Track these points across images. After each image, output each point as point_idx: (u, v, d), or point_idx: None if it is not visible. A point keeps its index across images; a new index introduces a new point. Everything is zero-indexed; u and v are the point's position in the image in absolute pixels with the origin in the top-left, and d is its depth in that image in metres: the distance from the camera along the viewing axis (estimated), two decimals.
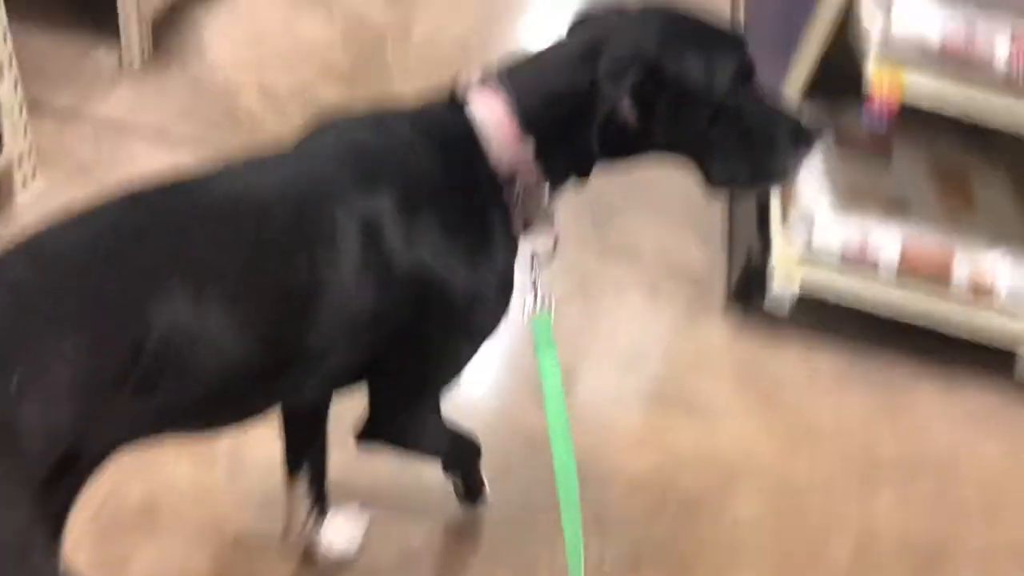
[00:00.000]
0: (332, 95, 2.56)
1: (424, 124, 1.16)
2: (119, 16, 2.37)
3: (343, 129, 1.20)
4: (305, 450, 1.47)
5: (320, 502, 1.52)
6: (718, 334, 2.18)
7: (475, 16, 2.99)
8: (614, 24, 1.15)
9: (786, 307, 2.08)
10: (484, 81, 1.16)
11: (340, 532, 1.57)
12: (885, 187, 2.09)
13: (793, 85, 1.96)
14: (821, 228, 1.99)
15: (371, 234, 1.08)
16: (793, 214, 2.07)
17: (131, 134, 2.29)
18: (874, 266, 2.00)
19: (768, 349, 2.15)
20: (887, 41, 1.67)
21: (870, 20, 1.71)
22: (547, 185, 1.17)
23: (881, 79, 1.70)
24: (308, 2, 2.87)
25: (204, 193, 1.05)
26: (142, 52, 2.46)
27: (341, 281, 1.07)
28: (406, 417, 1.31)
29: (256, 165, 1.14)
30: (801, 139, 1.18)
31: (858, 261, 2.00)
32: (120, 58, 2.45)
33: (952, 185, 2.12)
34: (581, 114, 1.11)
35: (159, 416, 1.00)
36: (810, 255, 2.03)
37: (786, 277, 2.04)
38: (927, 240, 1.98)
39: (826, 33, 1.87)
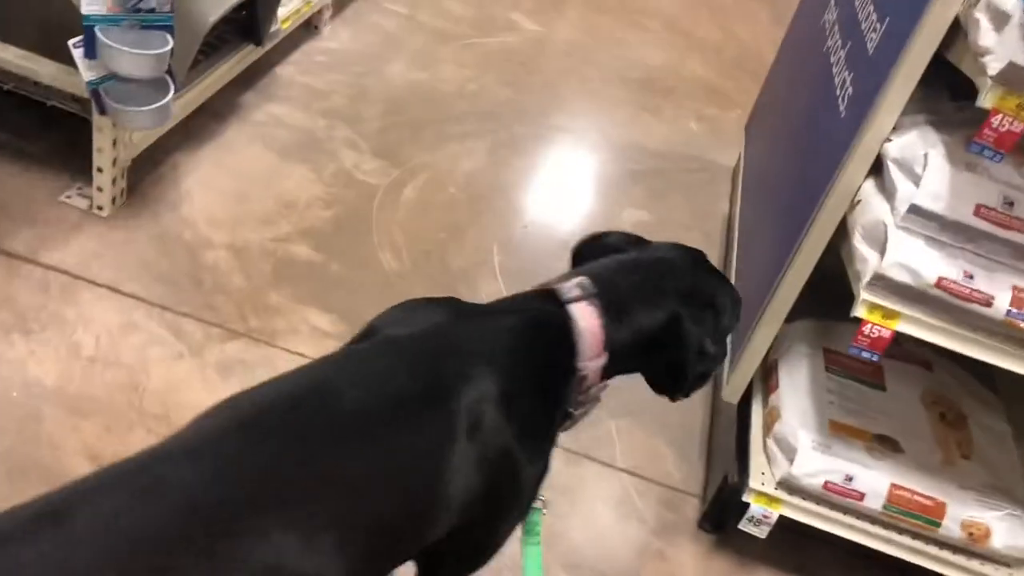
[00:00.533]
0: (305, 256, 2.45)
1: (529, 317, 1.28)
2: (93, 159, 2.29)
3: (442, 318, 1.26)
4: None
5: None
6: (689, 556, 1.99)
7: (466, 182, 2.92)
8: (664, 258, 1.40)
9: (763, 533, 1.89)
10: (583, 292, 1.30)
11: None
12: (875, 420, 1.93)
13: (779, 307, 1.84)
14: (802, 462, 1.82)
15: (476, 421, 1.15)
16: (772, 442, 1.91)
17: (81, 287, 2.17)
18: (858, 503, 1.82)
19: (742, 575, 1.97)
20: (880, 279, 1.55)
21: (862, 259, 1.59)
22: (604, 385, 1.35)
23: (873, 313, 1.57)
24: (298, 154, 2.81)
25: (326, 415, 1.08)
26: (113, 199, 2.37)
27: (451, 475, 1.13)
28: None
29: (365, 368, 1.17)
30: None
31: (842, 495, 1.83)
32: (91, 203, 2.37)
33: (948, 424, 1.97)
34: (658, 343, 1.33)
35: None
36: (789, 486, 1.86)
37: (764, 503, 1.87)
38: (918, 486, 1.81)
39: (812, 262, 1.76)
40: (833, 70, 2.01)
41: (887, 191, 1.60)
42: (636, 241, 1.48)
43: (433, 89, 3.36)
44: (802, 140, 2.13)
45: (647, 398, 1.45)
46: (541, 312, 1.29)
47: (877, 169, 1.65)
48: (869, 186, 1.65)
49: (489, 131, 3.20)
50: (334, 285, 2.39)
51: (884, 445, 1.89)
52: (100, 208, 2.37)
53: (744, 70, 4.14)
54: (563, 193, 3.06)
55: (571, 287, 1.30)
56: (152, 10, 2.05)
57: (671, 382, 1.40)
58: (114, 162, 2.30)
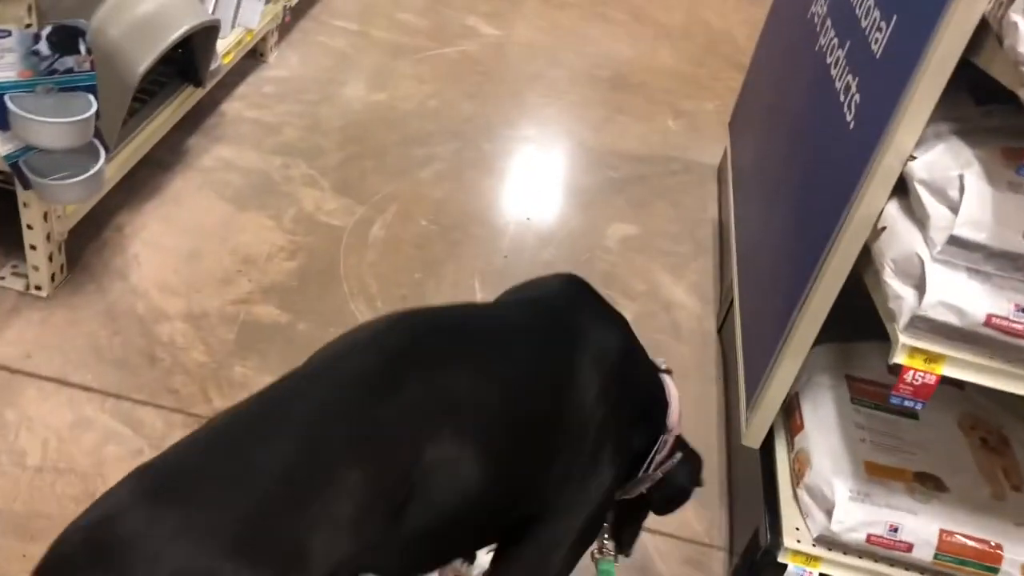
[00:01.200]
0: (270, 318, 2.24)
1: (631, 363, 1.40)
2: (24, 237, 2.07)
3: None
4: None
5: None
6: None
7: (437, 211, 2.71)
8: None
9: None
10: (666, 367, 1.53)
11: None
12: (913, 456, 1.75)
13: (799, 342, 1.66)
14: (841, 515, 1.64)
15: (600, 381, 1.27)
16: (805, 492, 1.72)
17: (22, 383, 1.95)
18: (906, 554, 1.65)
19: None
20: (921, 320, 1.36)
21: (895, 297, 1.40)
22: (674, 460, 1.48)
23: (914, 358, 1.39)
24: (253, 200, 2.59)
25: (468, 334, 1.22)
26: (52, 276, 2.15)
27: (573, 419, 1.24)
28: None
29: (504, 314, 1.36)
30: None
31: (888, 548, 1.65)
32: (27, 283, 2.15)
33: (991, 451, 1.79)
34: None
35: (399, 548, 1.05)
36: (828, 542, 1.68)
37: (802, 562, 1.69)
38: (970, 528, 1.64)
39: (833, 292, 1.58)
40: (832, 72, 1.82)
41: (918, 218, 1.41)
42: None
43: (392, 109, 3.14)
44: (805, 149, 1.94)
45: None
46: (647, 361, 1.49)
47: (901, 188, 1.46)
48: (894, 210, 1.46)
49: (455, 151, 2.99)
50: (304, 347, 2.12)
51: (926, 484, 1.71)
52: (39, 288, 2.14)
53: (717, 55, 3.96)
54: (542, 213, 2.86)
55: (658, 360, 1.53)
56: (70, 70, 1.83)
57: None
58: (48, 237, 2.08)
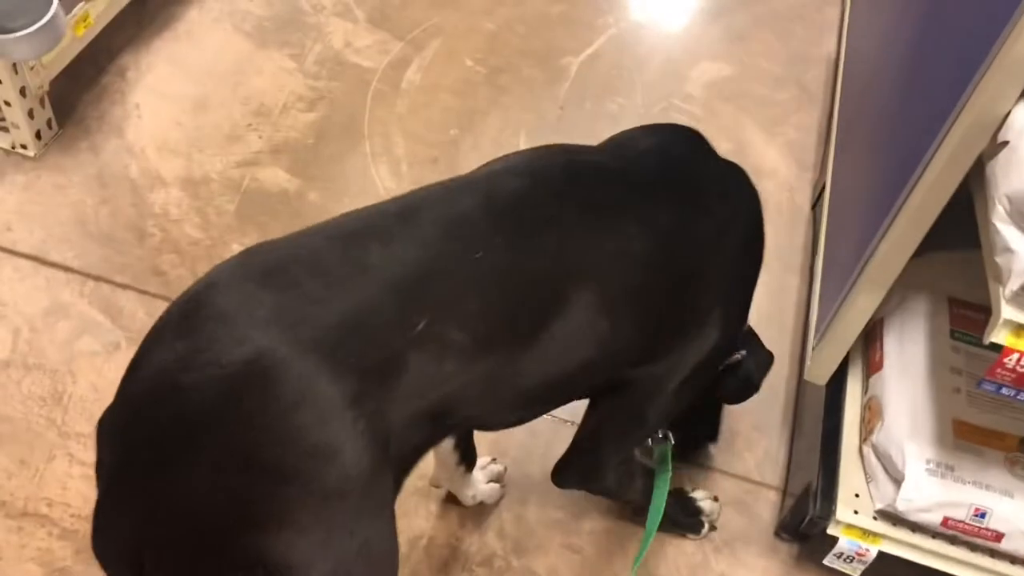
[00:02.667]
0: (277, 184, 1.97)
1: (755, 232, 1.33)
2: None
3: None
4: None
5: (467, 460, 1.45)
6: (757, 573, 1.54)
7: (488, 49, 2.31)
8: None
9: (856, 572, 1.42)
10: None
11: (483, 486, 1.54)
12: (1017, 412, 1.37)
13: (887, 263, 1.26)
14: (912, 491, 1.30)
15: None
16: (871, 452, 1.38)
17: (0, 260, 1.78)
18: (994, 544, 1.31)
19: None
20: None
21: (1005, 249, 0.99)
22: None
23: (1021, 338, 1.00)
24: (275, 35, 2.25)
25: (618, 180, 1.10)
26: (38, 133, 1.92)
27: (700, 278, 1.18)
28: (616, 458, 1.33)
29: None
30: None
31: (970, 535, 1.32)
32: (12, 141, 1.93)
33: None
34: None
35: (514, 398, 1.01)
36: (893, 518, 1.35)
37: (857, 536, 1.38)
38: None
39: (934, 210, 1.16)
40: None
41: None
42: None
43: None
44: (922, 9, 1.44)
45: None
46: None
47: None
48: (1023, 117, 1.02)
49: None
50: (313, 219, 1.87)
51: None
52: (24, 147, 1.93)
53: None
54: (612, 48, 2.40)
55: None
56: None
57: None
58: (23, 91, 1.83)
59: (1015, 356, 1.00)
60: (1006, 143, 1.02)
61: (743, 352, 1.39)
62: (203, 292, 0.79)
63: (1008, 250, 0.99)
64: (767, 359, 1.47)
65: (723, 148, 2.22)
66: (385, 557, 0.86)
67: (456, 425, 1.02)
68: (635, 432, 1.32)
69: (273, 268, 0.81)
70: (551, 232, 0.97)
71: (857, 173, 1.59)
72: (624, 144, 1.24)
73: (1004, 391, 1.03)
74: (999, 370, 1.01)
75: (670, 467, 1.38)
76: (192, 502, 0.74)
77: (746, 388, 1.42)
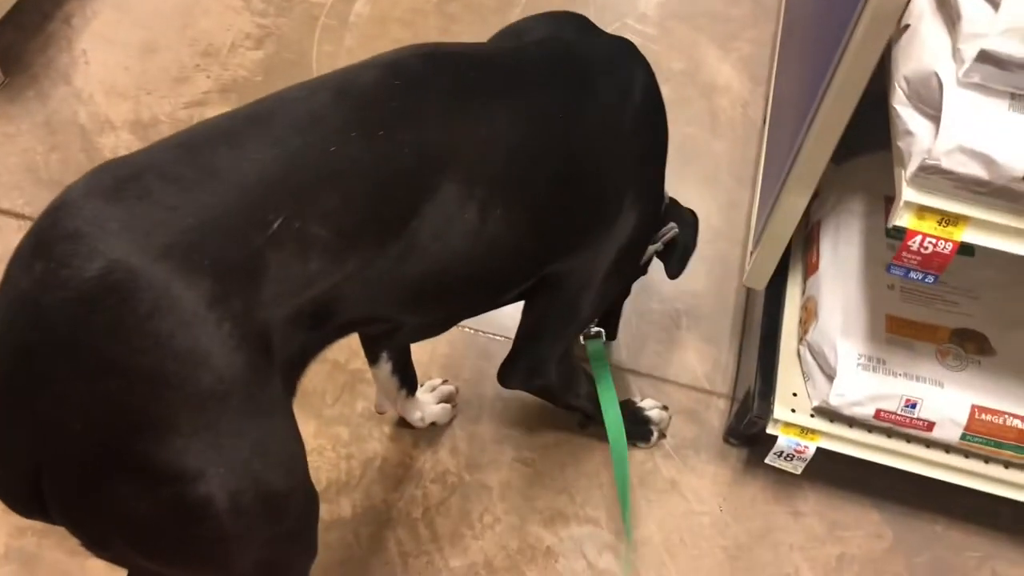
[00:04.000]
0: None
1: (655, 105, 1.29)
2: None
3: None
4: (382, 343, 1.40)
5: (407, 384, 1.48)
6: (707, 485, 1.57)
7: None
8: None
9: (798, 469, 1.45)
10: None
11: (433, 407, 1.57)
12: (955, 307, 1.38)
13: (811, 160, 1.27)
14: (844, 385, 1.32)
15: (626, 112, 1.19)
16: (807, 351, 1.40)
17: None
18: (925, 433, 1.33)
19: (772, 516, 1.54)
20: (933, 169, 0.96)
21: (906, 132, 0.99)
22: None
23: (924, 220, 1.00)
24: None
25: (491, 70, 1.07)
26: None
27: (601, 164, 1.16)
28: (556, 351, 1.34)
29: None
30: None
31: (901, 426, 1.34)
32: None
33: None
34: None
35: (401, 291, 0.99)
36: (829, 414, 1.38)
37: (795, 434, 1.40)
38: (1015, 405, 1.29)
39: (852, 98, 1.16)
40: None
41: (948, 14, 0.96)
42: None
43: None
44: None
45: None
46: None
47: None
48: (924, 2, 1.01)
49: None
50: None
51: (966, 345, 1.35)
52: None
53: None
54: None
55: None
56: None
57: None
58: None
59: (918, 238, 1.00)
60: (907, 26, 1.02)
61: (672, 224, 1.39)
62: (56, 212, 0.79)
63: (908, 132, 0.99)
64: (693, 221, 1.47)
65: (677, 67, 2.23)
66: (285, 456, 0.86)
67: (349, 326, 1.02)
68: (571, 323, 1.33)
69: (122, 181, 0.80)
70: (411, 122, 0.94)
71: (790, 80, 1.58)
72: (508, 34, 1.23)
73: (912, 275, 1.04)
74: (904, 253, 1.02)
75: (607, 363, 1.41)
76: (72, 417, 0.75)
77: (684, 254, 1.43)
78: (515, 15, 2.23)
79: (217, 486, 0.79)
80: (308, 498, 0.92)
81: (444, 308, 1.13)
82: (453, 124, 0.97)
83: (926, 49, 0.97)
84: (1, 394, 0.78)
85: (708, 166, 2.00)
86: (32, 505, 0.82)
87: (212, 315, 0.76)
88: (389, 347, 1.41)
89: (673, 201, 1.44)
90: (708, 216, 1.91)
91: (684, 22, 2.27)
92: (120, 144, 1.91)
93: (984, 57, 0.88)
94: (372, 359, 1.42)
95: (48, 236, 0.77)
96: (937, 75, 0.93)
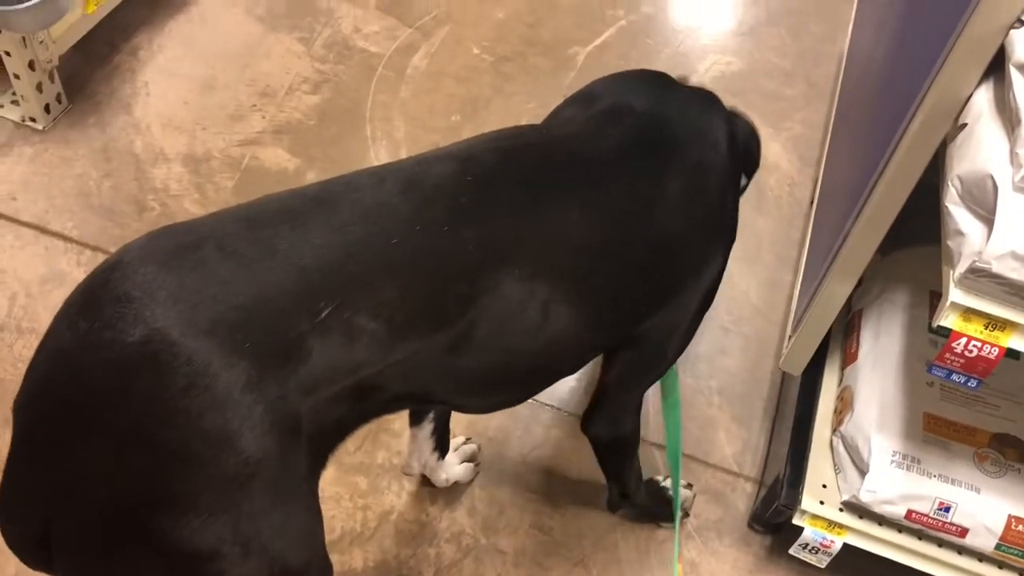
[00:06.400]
0: (277, 162, 2.00)
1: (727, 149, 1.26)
2: (7, 67, 1.89)
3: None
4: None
5: (441, 447, 1.48)
6: (727, 570, 1.53)
7: (496, 37, 2.32)
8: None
9: (822, 563, 1.40)
10: None
11: (456, 467, 1.56)
12: (997, 410, 1.34)
13: (858, 248, 1.25)
14: (876, 481, 1.29)
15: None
16: (839, 442, 1.37)
17: (2, 228, 1.82)
18: (958, 539, 1.29)
19: None
20: (983, 271, 0.94)
21: (956, 232, 0.97)
22: None
23: (970, 322, 0.98)
24: (286, 18, 2.29)
25: (563, 159, 1.07)
26: (46, 107, 1.97)
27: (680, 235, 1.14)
28: (637, 400, 1.33)
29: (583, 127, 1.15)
30: None
31: (934, 529, 1.29)
32: (22, 116, 1.98)
33: None
34: None
35: (456, 380, 0.98)
36: (858, 509, 1.34)
37: (822, 528, 1.36)
38: None
39: (904, 190, 1.15)
40: None
41: (1008, 115, 0.95)
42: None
43: None
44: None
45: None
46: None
47: (999, 71, 1.00)
48: (984, 101, 1.00)
49: None
50: None
51: (1006, 451, 1.31)
52: (33, 120, 1.98)
53: None
54: (622, 42, 2.40)
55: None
56: None
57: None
58: (31, 65, 1.88)
59: (963, 340, 0.98)
60: (964, 125, 1.01)
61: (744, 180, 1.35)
62: (110, 272, 0.79)
63: (959, 232, 0.97)
64: (751, 133, 1.39)
65: None
66: (303, 533, 0.85)
67: (396, 402, 1.00)
68: (657, 370, 1.31)
69: (179, 249, 0.80)
70: (478, 220, 0.93)
71: (840, 165, 1.57)
72: (580, 100, 1.21)
73: (954, 377, 1.02)
74: (948, 355, 1.00)
75: (679, 393, 1.42)
76: (94, 479, 0.75)
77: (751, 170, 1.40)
78: (570, 79, 2.25)
79: (231, 564, 0.78)
80: (322, 570, 0.91)
81: (506, 394, 1.12)
82: (521, 222, 0.96)
83: (982, 150, 0.96)
84: (29, 444, 0.78)
85: (751, 242, 1.99)
86: (39, 556, 0.81)
87: (245, 399, 0.76)
88: (436, 411, 1.41)
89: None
90: (748, 293, 1.90)
91: (737, 97, 2.26)
92: (171, 176, 1.95)
93: None
94: (415, 419, 1.42)
95: (98, 295, 0.78)
96: (992, 178, 0.92)
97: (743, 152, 1.31)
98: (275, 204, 0.88)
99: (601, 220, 1.05)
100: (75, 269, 1.78)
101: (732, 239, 1.28)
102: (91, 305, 0.77)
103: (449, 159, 0.97)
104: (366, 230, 0.86)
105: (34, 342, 1.66)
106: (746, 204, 2.04)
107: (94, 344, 0.75)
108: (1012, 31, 0.95)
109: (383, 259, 0.86)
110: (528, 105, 2.18)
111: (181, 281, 0.77)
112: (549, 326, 0.99)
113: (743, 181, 1.33)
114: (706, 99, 1.26)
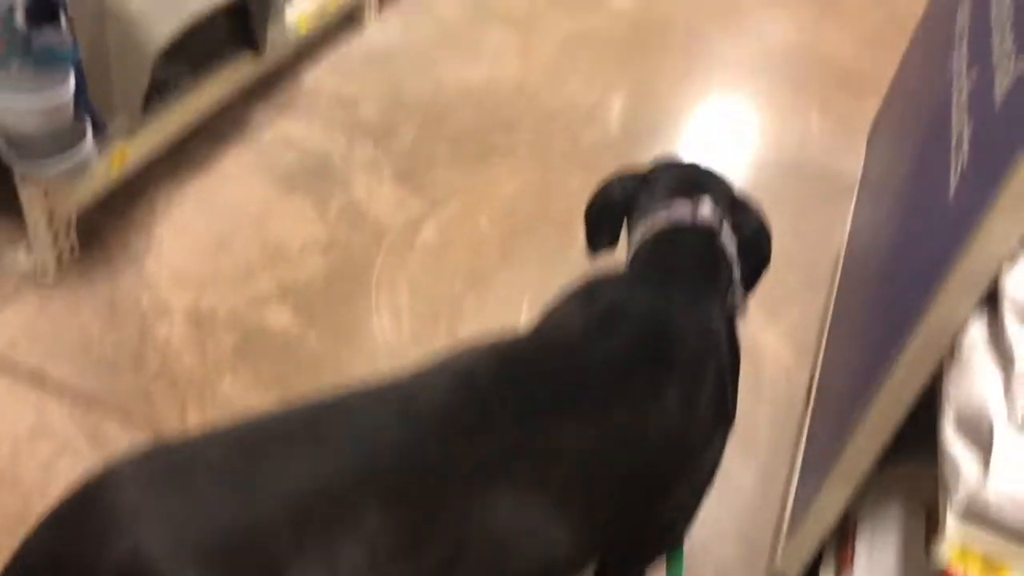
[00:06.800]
0: (280, 324, 2.02)
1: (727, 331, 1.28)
2: (25, 216, 1.94)
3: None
4: None
5: None
6: None
7: (504, 212, 2.39)
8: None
9: None
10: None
11: None
12: None
13: (855, 459, 1.24)
14: None
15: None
16: None
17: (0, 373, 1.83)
18: None
19: None
20: (980, 508, 0.93)
21: (953, 465, 0.97)
22: None
23: (967, 559, 0.96)
24: (303, 183, 2.36)
25: (557, 373, 1.06)
26: (59, 257, 2.01)
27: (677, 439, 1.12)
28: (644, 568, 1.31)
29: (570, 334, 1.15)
30: None
31: None
32: (33, 264, 2.02)
33: None
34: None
35: None
36: None
37: None
38: None
39: (899, 409, 1.15)
40: (952, 109, 1.35)
41: (1003, 352, 0.97)
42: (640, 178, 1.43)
43: (488, 89, 2.82)
44: (906, 204, 1.48)
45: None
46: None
47: (992, 303, 1.02)
48: (978, 331, 1.02)
49: (544, 139, 2.64)
50: (307, 364, 1.95)
51: None
52: (43, 269, 2.01)
53: (889, 43, 3.34)
54: None
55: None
56: (47, 44, 1.63)
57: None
58: (50, 217, 1.93)
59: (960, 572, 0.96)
60: (960, 353, 1.03)
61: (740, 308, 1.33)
62: (100, 484, 0.80)
63: (956, 464, 0.97)
64: (760, 231, 1.39)
65: None
66: None
67: None
68: (659, 547, 1.30)
69: (173, 468, 0.82)
70: (473, 440, 0.93)
71: (837, 369, 1.59)
72: (580, 298, 1.21)
73: None
74: None
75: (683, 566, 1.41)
76: None
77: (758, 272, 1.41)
78: (576, 254, 2.30)
79: None
80: None
81: None
82: (516, 441, 0.96)
83: (977, 383, 0.97)
84: None
85: (748, 428, 1.98)
86: None
87: None
88: None
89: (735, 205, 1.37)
90: (742, 484, 1.87)
91: None
92: (174, 332, 1.96)
93: None
94: None
95: (85, 504, 0.79)
96: (989, 414, 0.93)
97: (751, 248, 1.33)
98: (269, 425, 0.90)
99: (598, 436, 1.04)
100: (65, 422, 1.77)
101: (731, 423, 1.27)
102: (79, 515, 0.78)
103: (445, 374, 0.98)
104: (356, 457, 0.87)
105: (16, 498, 1.65)
106: (744, 390, 2.04)
107: (75, 552, 0.76)
108: (1004, 268, 0.97)
109: (372, 485, 0.86)
110: (533, 279, 2.22)
111: (169, 502, 0.78)
112: (543, 542, 0.98)
113: (741, 293, 1.33)
114: (705, 271, 1.26)
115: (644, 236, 1.33)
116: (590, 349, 1.10)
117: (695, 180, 1.38)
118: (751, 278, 1.39)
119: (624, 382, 1.09)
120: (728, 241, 1.29)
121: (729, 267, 1.29)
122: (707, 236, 1.28)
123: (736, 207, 1.37)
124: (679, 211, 1.30)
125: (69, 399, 1.81)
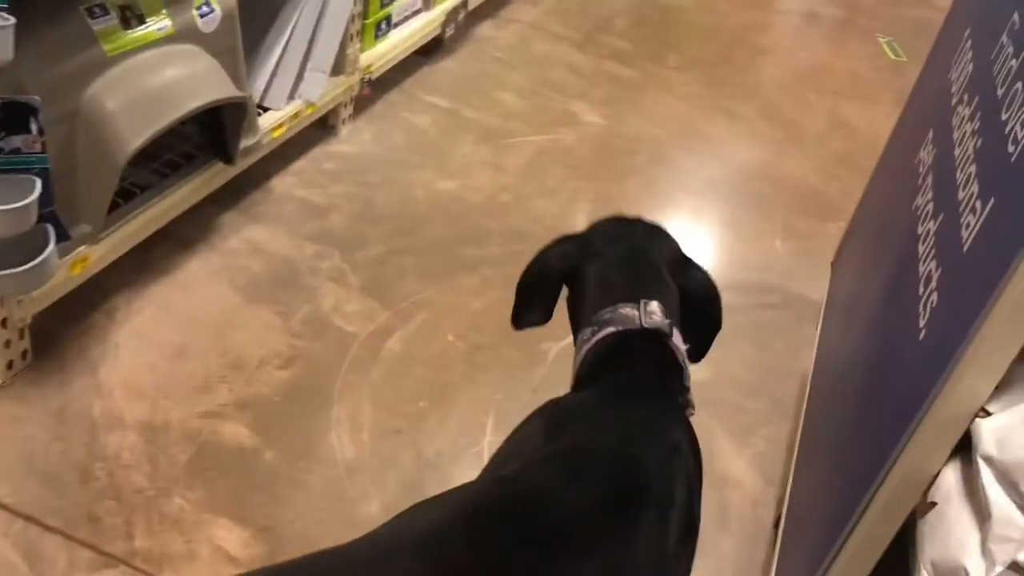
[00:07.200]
0: (236, 439, 1.95)
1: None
2: None
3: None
4: None
5: None
6: None
7: (471, 326, 2.37)
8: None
9: None
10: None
11: None
12: None
13: None
14: None
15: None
16: None
17: None
18: None
19: None
20: None
21: None
22: None
23: None
24: (268, 293, 2.33)
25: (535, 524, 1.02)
26: (9, 364, 1.95)
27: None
28: None
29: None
30: None
31: None
32: None
33: None
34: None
35: None
36: None
37: None
38: None
39: (869, 560, 1.12)
40: (919, 248, 1.36)
41: (979, 506, 0.95)
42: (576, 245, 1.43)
43: (458, 200, 2.84)
44: (874, 342, 1.48)
45: None
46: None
47: (966, 450, 1.01)
48: (953, 480, 1.01)
49: (513, 254, 2.63)
50: (261, 483, 1.88)
51: None
52: None
53: (856, 168, 3.44)
54: None
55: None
56: (16, 151, 1.62)
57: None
58: (3, 323, 1.88)
59: None
60: (934, 503, 1.01)
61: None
62: None
63: None
64: (709, 295, 1.38)
65: None
66: None
67: None
68: None
69: None
70: None
71: (806, 503, 1.56)
72: (541, 434, 1.18)
73: None
74: None
75: None
76: None
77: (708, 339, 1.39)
78: (541, 373, 2.27)
79: None
80: None
81: None
82: None
83: (953, 537, 0.94)
84: None
85: (714, 562, 1.93)
86: None
87: None
88: None
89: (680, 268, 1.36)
90: None
91: (702, 409, 2.29)
92: (125, 445, 1.89)
93: (1017, 568, 0.85)
94: None
95: None
96: (966, 571, 0.90)
97: (700, 313, 1.33)
98: None
99: None
100: (2, 542, 1.68)
101: (696, 535, 1.22)
102: None
103: (410, 542, 0.94)
104: None
105: None
106: (709, 523, 2.00)
107: None
108: (978, 420, 0.96)
109: None
110: (497, 396, 2.18)
111: None
112: None
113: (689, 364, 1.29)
114: (662, 380, 1.24)
115: (594, 348, 1.28)
116: (562, 499, 1.05)
117: (642, 267, 1.34)
118: (701, 348, 1.37)
119: (599, 534, 1.04)
120: (679, 341, 1.26)
121: (681, 369, 1.26)
122: (658, 341, 1.24)
123: (682, 269, 1.35)
124: (626, 315, 1.25)
125: (6, 516, 1.72)
